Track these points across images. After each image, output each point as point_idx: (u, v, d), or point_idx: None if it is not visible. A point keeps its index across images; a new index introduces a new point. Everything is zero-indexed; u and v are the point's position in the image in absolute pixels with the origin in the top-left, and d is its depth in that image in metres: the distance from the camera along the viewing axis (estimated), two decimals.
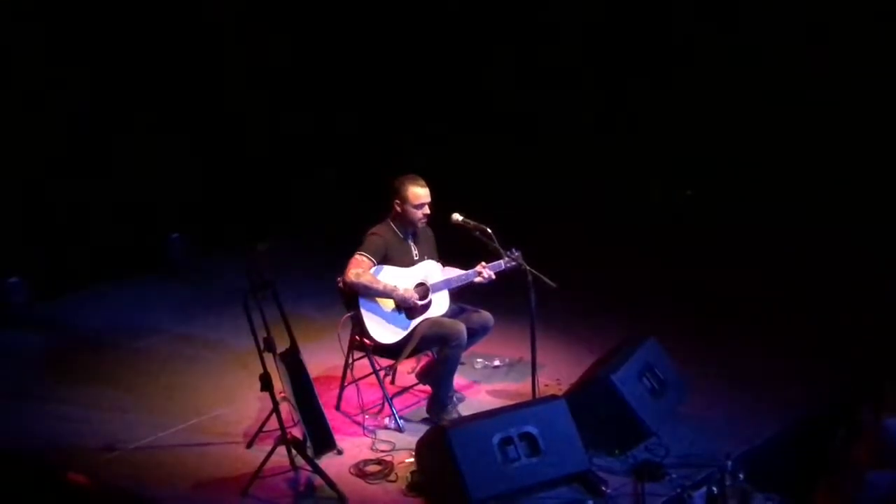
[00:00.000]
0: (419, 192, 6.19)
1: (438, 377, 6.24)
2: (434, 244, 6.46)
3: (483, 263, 6.25)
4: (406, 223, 6.25)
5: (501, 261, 6.21)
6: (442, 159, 9.97)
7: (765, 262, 8.92)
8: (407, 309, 6.17)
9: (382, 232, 6.22)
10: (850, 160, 9.81)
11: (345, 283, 6.06)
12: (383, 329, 6.12)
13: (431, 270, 6.31)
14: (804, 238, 9.31)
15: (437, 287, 6.27)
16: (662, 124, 10.75)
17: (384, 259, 6.15)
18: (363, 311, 6.08)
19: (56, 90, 8.60)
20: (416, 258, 6.29)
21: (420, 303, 6.18)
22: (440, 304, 6.29)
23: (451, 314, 6.31)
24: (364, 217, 6.41)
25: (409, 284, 6.17)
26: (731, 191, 10.39)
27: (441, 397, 6.25)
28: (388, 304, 6.15)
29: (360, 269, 6.04)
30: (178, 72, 9.41)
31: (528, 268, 6.01)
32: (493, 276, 6.25)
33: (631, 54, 10.85)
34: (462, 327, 6.10)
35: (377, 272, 6.10)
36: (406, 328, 6.18)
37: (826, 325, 7.60)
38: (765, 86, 10.24)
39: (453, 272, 6.38)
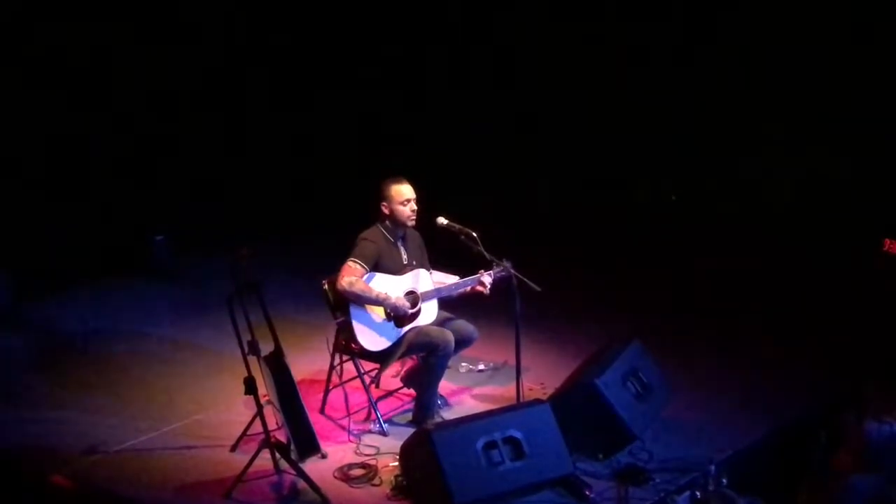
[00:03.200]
0: (402, 190, 6.21)
1: (424, 382, 6.24)
2: (424, 249, 6.46)
3: (482, 271, 6.23)
4: (396, 224, 6.25)
5: (493, 270, 6.19)
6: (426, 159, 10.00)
7: (748, 268, 8.96)
8: (397, 317, 6.17)
9: (373, 237, 6.21)
10: (833, 165, 9.84)
11: (337, 290, 6.05)
12: (372, 336, 6.11)
13: (421, 279, 6.30)
14: (786, 243, 9.35)
15: (428, 296, 6.27)
16: (651, 126, 10.76)
17: (375, 265, 6.14)
18: (353, 318, 6.07)
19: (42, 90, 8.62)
20: (405, 262, 6.29)
21: (411, 311, 6.18)
22: (429, 312, 6.28)
23: (437, 324, 6.30)
24: (350, 219, 6.41)
25: (399, 292, 6.17)
26: (713, 195, 10.43)
27: (426, 401, 6.25)
28: (378, 312, 6.14)
29: (354, 276, 6.02)
30: (169, 74, 9.44)
31: (513, 272, 6.02)
32: (490, 282, 6.24)
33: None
34: (450, 336, 6.09)
35: (369, 279, 6.09)
36: (395, 336, 6.17)
37: (809, 329, 7.64)
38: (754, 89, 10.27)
39: (444, 279, 6.38)
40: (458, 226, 6.17)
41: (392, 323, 6.16)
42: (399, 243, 6.31)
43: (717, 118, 10.42)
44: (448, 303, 6.43)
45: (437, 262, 6.50)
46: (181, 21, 9.50)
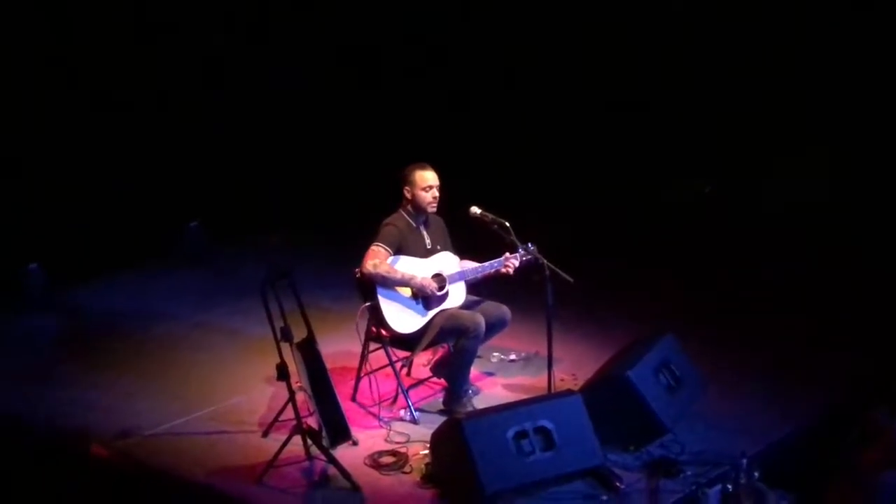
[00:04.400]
0: (426, 175, 6.24)
1: (454, 369, 6.25)
2: (446, 233, 6.49)
3: (507, 254, 6.27)
4: (417, 209, 6.28)
5: (518, 253, 6.23)
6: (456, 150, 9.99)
7: (781, 260, 8.89)
8: (425, 298, 6.19)
9: (396, 221, 6.25)
10: (862, 155, 9.75)
11: (363, 273, 6.08)
12: (401, 318, 6.13)
13: (447, 261, 6.33)
14: (820, 236, 9.27)
15: (454, 278, 6.29)
16: (682, 118, 10.68)
17: (399, 249, 6.17)
18: (381, 300, 6.09)
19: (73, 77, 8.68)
20: (428, 246, 6.32)
21: (438, 293, 6.19)
22: (457, 294, 6.31)
23: (468, 307, 6.31)
24: (379, 207, 6.43)
25: (425, 274, 6.19)
26: (747, 186, 10.35)
27: (456, 390, 6.26)
28: (406, 293, 6.17)
29: (378, 259, 6.06)
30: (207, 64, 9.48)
31: (545, 262, 6.02)
32: (516, 265, 6.27)
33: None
34: (480, 318, 6.10)
35: (394, 262, 6.12)
36: (424, 317, 6.19)
37: (841, 324, 7.57)
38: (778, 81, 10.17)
39: (469, 264, 6.40)
40: (490, 215, 6.19)
41: (421, 304, 6.18)
42: (421, 228, 6.34)
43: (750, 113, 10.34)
44: (476, 288, 6.45)
45: (465, 250, 6.51)
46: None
